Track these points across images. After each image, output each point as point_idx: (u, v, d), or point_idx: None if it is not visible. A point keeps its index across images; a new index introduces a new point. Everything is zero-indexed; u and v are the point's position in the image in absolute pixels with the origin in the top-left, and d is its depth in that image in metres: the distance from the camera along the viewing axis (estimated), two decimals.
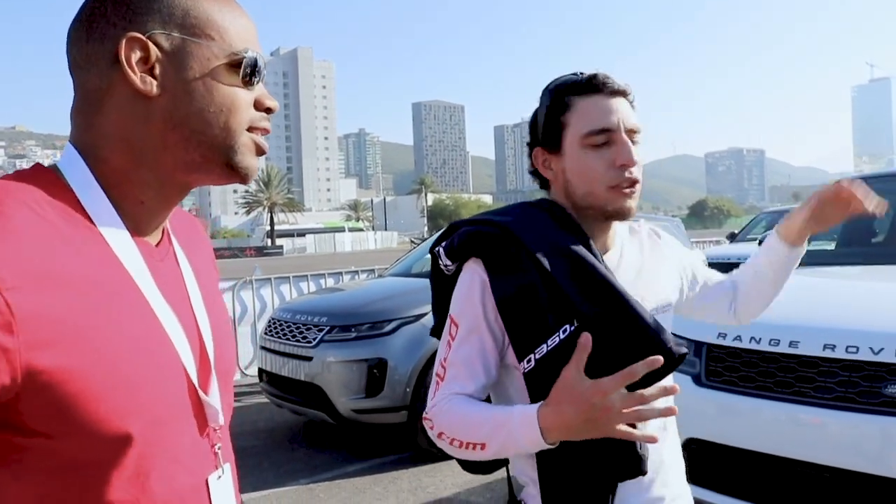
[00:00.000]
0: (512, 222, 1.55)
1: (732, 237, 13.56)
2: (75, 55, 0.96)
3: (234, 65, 0.98)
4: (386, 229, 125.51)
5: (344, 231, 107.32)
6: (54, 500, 0.85)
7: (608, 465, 1.44)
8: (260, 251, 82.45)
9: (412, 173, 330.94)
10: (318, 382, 5.81)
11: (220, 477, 1.04)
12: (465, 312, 1.53)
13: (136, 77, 0.92)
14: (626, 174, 1.51)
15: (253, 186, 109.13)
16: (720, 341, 3.58)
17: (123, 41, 0.91)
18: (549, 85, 1.60)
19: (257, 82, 1.01)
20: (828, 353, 3.18)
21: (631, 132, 1.53)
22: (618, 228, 1.67)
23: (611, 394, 1.26)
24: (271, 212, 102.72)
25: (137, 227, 0.98)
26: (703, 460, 3.57)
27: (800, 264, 5.33)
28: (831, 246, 5.67)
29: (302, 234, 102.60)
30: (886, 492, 2.94)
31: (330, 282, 9.10)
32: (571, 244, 1.51)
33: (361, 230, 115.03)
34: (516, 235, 1.51)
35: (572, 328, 1.43)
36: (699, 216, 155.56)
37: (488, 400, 1.58)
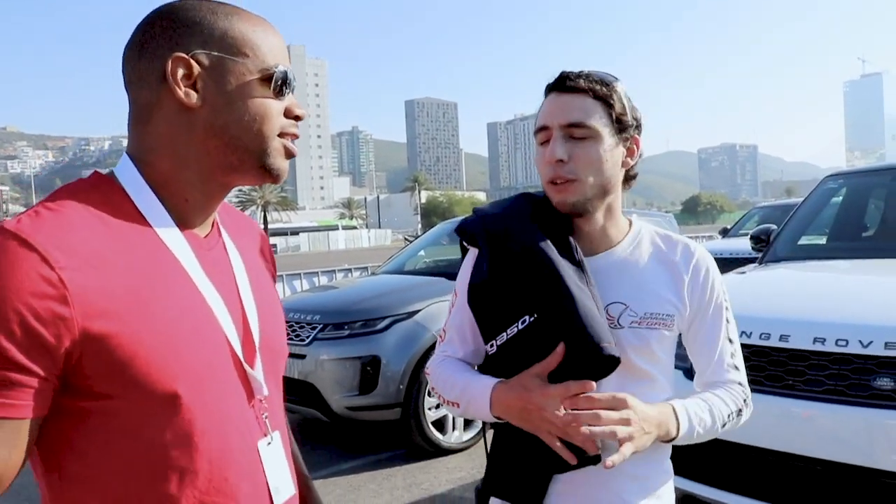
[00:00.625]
0: (493, 215, 1.63)
1: (725, 232, 13.59)
2: (129, 73, 1.09)
3: (267, 78, 1.10)
4: (380, 227, 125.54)
5: (338, 229, 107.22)
6: (122, 462, 0.99)
7: (547, 455, 1.47)
8: None
9: (406, 171, 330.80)
10: (312, 380, 5.80)
11: (269, 443, 1.16)
12: (461, 286, 1.67)
13: (181, 91, 1.05)
14: (555, 171, 1.53)
15: (246, 185, 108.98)
16: None
17: (170, 60, 1.05)
18: None
19: (287, 93, 1.14)
20: (818, 347, 3.20)
21: (570, 127, 1.53)
22: (637, 231, 1.66)
23: (551, 400, 1.40)
24: (265, 210, 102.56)
25: (185, 221, 1.11)
26: (694, 454, 3.59)
27: (792, 258, 5.32)
28: (822, 240, 5.70)
29: (296, 232, 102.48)
30: (875, 483, 2.97)
31: (323, 280, 9.11)
32: (540, 239, 1.54)
33: (355, 228, 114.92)
34: (488, 228, 1.59)
35: (531, 319, 1.49)
36: (692, 212, 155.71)
37: (486, 367, 1.62)
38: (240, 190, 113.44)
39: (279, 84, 1.11)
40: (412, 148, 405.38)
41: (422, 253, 8.15)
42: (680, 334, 1.67)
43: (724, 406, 1.61)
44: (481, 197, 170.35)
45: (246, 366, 1.12)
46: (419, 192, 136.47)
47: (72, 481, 1.00)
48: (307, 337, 5.94)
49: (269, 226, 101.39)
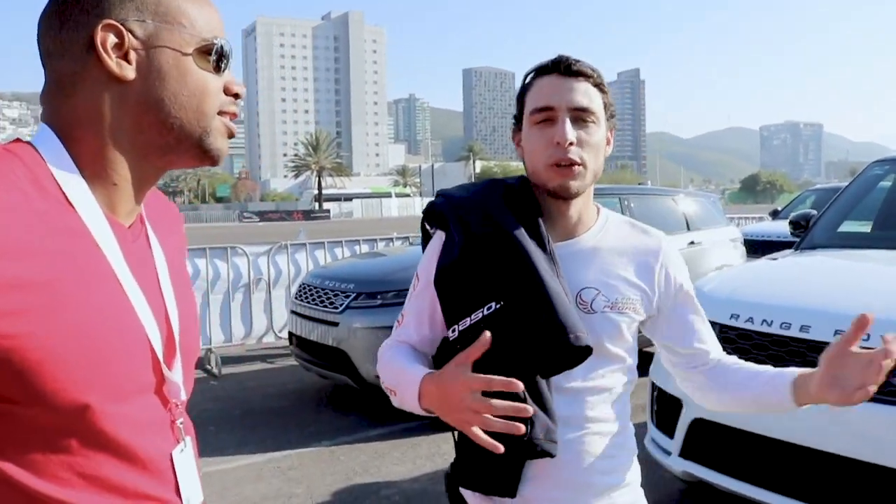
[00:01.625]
0: (461, 199, 1.63)
1: (775, 214, 13.27)
2: (48, 44, 0.99)
3: (205, 51, 1.03)
4: (433, 195, 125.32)
5: (391, 196, 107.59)
6: (30, 466, 0.90)
7: (521, 442, 1.45)
8: (307, 215, 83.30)
9: (461, 140, 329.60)
10: (344, 347, 5.92)
11: (182, 450, 1.09)
12: (424, 270, 1.65)
13: (112, 62, 0.96)
14: (564, 153, 1.52)
15: (301, 150, 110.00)
16: (732, 322, 3.56)
17: (99, 28, 0.95)
18: None
19: (225, 68, 1.06)
20: (838, 339, 3.14)
21: (578, 111, 1.53)
22: (605, 218, 1.68)
23: (470, 390, 1.30)
24: (319, 176, 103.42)
25: (111, 208, 1.01)
26: (708, 441, 3.58)
27: (829, 246, 5.19)
28: (867, 228, 5.53)
29: (349, 198, 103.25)
30: (888, 482, 2.92)
31: (364, 248, 9.18)
32: (511, 224, 1.54)
33: (408, 196, 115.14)
34: (458, 212, 1.59)
35: (497, 306, 1.48)
36: (751, 190, 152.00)
37: (443, 352, 1.58)
38: (295, 154, 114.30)
39: (217, 57, 1.04)
40: (468, 117, 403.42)
41: None
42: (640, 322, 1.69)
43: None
44: None
45: (165, 369, 1.04)
46: (473, 162, 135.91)
47: None
48: (341, 305, 6.04)
49: (324, 191, 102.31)
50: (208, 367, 8.05)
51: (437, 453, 5.24)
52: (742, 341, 3.49)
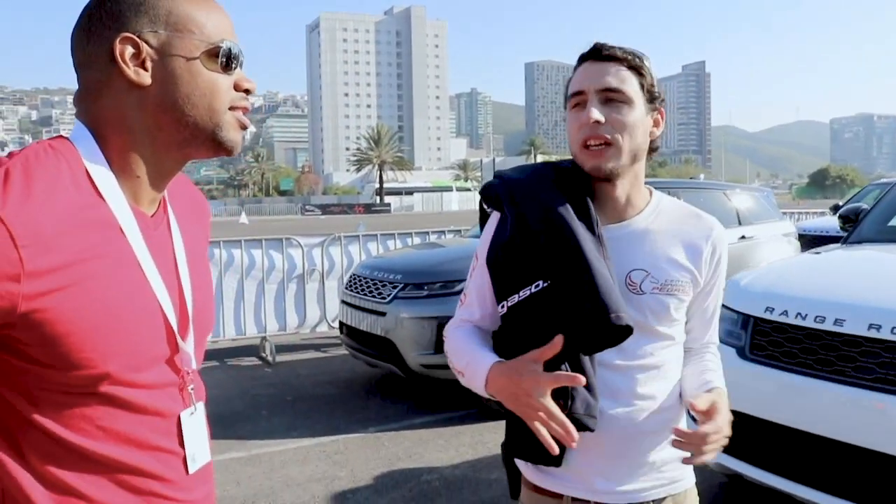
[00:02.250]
0: (517, 180, 1.71)
1: (836, 209, 12.95)
2: (79, 56, 1.13)
3: (213, 54, 1.15)
4: None
5: (452, 190, 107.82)
6: (59, 418, 1.06)
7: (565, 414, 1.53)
8: (368, 208, 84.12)
9: (523, 134, 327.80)
10: (391, 337, 6.06)
11: (192, 413, 1.23)
12: (481, 249, 1.74)
13: (130, 70, 1.10)
14: (591, 132, 1.57)
15: (363, 144, 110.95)
16: (767, 315, 3.56)
17: (117, 41, 1.09)
18: None
19: (235, 67, 1.18)
20: (872, 333, 3.13)
21: (606, 91, 1.58)
22: (658, 201, 1.73)
23: (539, 388, 1.45)
24: (380, 169, 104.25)
25: (135, 198, 1.15)
26: (742, 433, 3.57)
27: (877, 240, 5.10)
28: None
29: (410, 192, 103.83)
30: None
31: (416, 240, 9.31)
32: (560, 206, 1.60)
33: (469, 190, 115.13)
34: (511, 194, 1.67)
35: (545, 284, 1.56)
36: (820, 185, 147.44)
37: (503, 329, 1.68)
38: (357, 148, 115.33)
39: (226, 59, 1.15)
40: (530, 111, 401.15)
41: None
42: None
43: (720, 371, 1.77)
44: None
45: (179, 340, 1.19)
46: (535, 156, 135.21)
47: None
48: (388, 295, 6.18)
49: (385, 185, 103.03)
50: (263, 354, 8.30)
51: (479, 442, 5.33)
52: (776, 334, 3.49)
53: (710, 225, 1.73)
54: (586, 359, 1.57)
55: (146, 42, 1.10)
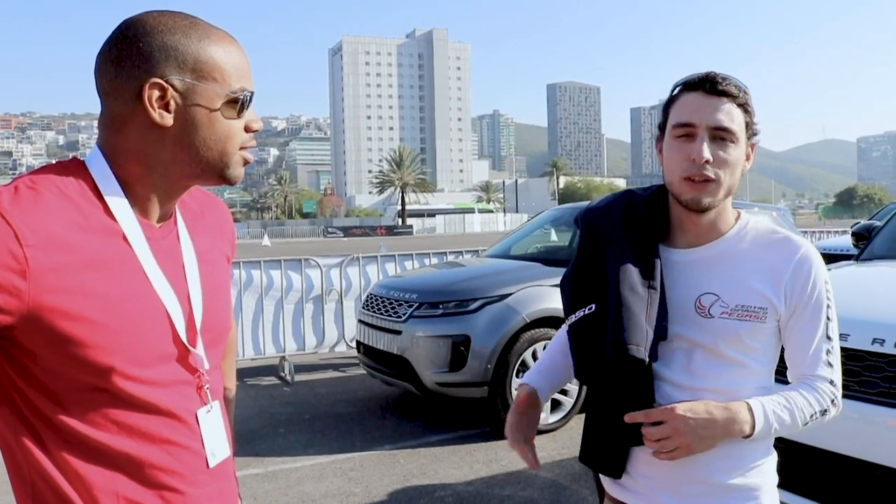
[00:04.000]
0: (592, 209, 1.85)
1: None
2: (104, 84, 1.21)
3: (232, 101, 1.24)
4: (517, 211, 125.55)
5: (474, 212, 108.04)
6: (76, 414, 1.15)
7: (624, 430, 1.65)
8: (391, 230, 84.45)
9: (545, 155, 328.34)
10: (406, 355, 6.12)
11: (209, 411, 1.31)
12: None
13: (156, 113, 1.18)
14: (698, 170, 1.59)
15: (385, 166, 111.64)
16: None
17: (147, 85, 1.17)
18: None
19: (247, 109, 1.27)
20: (876, 348, 3.14)
21: (717, 130, 1.59)
22: (744, 223, 1.71)
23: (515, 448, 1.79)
24: (402, 191, 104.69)
25: (144, 214, 1.25)
26: (792, 463, 3.54)
27: (890, 257, 5.06)
28: None
29: (432, 214, 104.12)
30: None
31: (434, 261, 9.38)
32: (616, 235, 1.72)
33: (492, 212, 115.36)
34: (588, 221, 1.82)
35: (596, 307, 1.69)
36: (847, 205, 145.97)
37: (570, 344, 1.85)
38: (379, 171, 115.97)
39: (241, 106, 1.25)
40: (553, 132, 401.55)
41: (528, 238, 8.29)
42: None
43: (807, 405, 1.62)
44: (620, 183, 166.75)
45: (187, 344, 1.26)
46: (557, 178, 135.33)
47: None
48: (404, 314, 6.25)
49: (407, 207, 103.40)
50: (282, 374, 8.38)
51: (493, 459, 5.37)
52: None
53: (795, 249, 1.65)
54: (649, 377, 1.64)
55: (172, 86, 1.18)
